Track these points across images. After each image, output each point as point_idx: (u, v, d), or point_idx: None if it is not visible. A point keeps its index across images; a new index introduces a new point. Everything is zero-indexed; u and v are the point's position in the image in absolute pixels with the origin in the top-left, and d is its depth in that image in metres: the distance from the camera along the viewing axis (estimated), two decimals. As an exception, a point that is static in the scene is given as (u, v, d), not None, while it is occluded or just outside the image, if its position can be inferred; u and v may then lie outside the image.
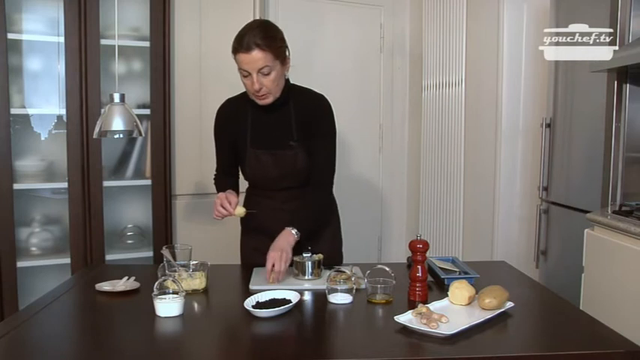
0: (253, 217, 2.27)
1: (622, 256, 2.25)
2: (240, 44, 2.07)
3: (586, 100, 2.86)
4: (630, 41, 2.49)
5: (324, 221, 2.38)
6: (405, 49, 4.56)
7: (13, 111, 3.02)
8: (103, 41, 3.08)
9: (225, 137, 2.35)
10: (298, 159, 2.25)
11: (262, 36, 2.07)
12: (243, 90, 2.25)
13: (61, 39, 3.04)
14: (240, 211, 2.19)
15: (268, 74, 2.11)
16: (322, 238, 2.35)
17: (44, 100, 3.20)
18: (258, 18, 2.08)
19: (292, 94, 2.27)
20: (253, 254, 2.33)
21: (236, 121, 2.30)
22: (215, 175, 2.45)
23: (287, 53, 2.19)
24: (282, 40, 2.17)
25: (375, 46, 4.48)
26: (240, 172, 2.41)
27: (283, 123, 2.26)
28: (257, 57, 2.06)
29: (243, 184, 2.44)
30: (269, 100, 2.18)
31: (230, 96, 2.40)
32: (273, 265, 2.00)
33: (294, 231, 2.11)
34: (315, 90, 2.34)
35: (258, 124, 2.27)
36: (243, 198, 2.43)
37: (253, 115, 2.27)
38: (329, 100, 2.31)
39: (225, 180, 2.39)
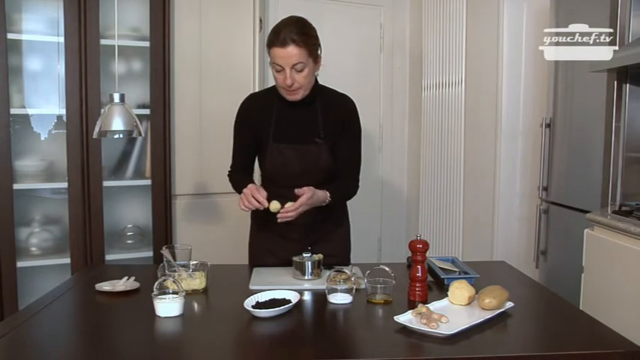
0: (269, 216, 2.18)
1: (622, 256, 2.25)
2: (277, 38, 2.09)
3: (586, 100, 2.86)
4: (630, 41, 2.49)
5: (342, 207, 2.45)
6: (404, 49, 4.56)
7: (13, 111, 3.02)
8: (103, 41, 3.08)
9: (246, 132, 2.32)
10: (322, 156, 2.26)
11: (299, 32, 2.10)
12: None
13: (61, 39, 3.04)
14: (276, 205, 2.09)
15: (301, 71, 2.13)
16: (334, 241, 2.36)
17: (44, 100, 3.20)
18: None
19: (319, 92, 2.29)
20: (265, 256, 2.33)
21: (260, 115, 2.29)
22: (230, 170, 2.40)
23: (319, 52, 2.21)
24: (317, 38, 2.20)
25: (375, 46, 4.48)
26: (253, 171, 2.40)
27: (309, 120, 2.27)
28: (292, 52, 2.08)
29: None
30: (298, 95, 2.19)
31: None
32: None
33: (327, 195, 2.18)
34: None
35: (283, 119, 2.26)
36: None
37: (279, 110, 2.27)
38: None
39: (242, 176, 2.33)
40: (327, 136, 2.26)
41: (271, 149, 2.25)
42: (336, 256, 2.28)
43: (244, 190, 2.12)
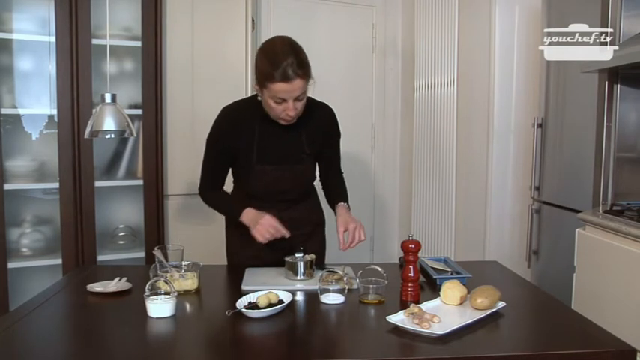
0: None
1: (613, 255, 2.26)
2: (280, 74, 1.95)
3: (577, 100, 2.87)
4: (621, 42, 2.50)
5: (320, 210, 2.47)
6: (397, 49, 4.57)
7: (3, 111, 3.01)
8: (95, 41, 3.07)
9: (224, 151, 2.23)
10: (308, 170, 2.27)
11: (300, 63, 1.98)
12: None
13: (52, 39, 3.03)
14: (264, 301, 1.80)
15: (302, 99, 2.05)
16: (313, 239, 2.35)
17: (35, 100, 3.18)
18: (281, 35, 1.89)
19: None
20: (253, 263, 2.26)
21: (241, 133, 2.19)
22: (202, 190, 2.32)
23: None
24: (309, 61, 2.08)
25: (367, 46, 4.48)
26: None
27: (293, 138, 2.21)
28: (297, 86, 1.98)
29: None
30: (294, 120, 2.11)
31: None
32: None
33: (346, 205, 2.26)
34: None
35: (267, 140, 2.19)
36: None
37: (261, 128, 2.18)
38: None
39: (221, 193, 2.30)
40: (312, 150, 2.26)
41: (257, 171, 2.20)
42: (317, 254, 2.25)
43: (262, 221, 2.09)
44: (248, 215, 2.15)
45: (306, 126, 2.22)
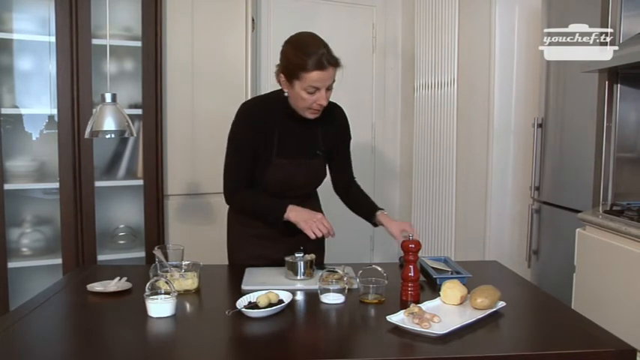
0: (258, 223, 2.26)
1: (613, 255, 2.26)
2: (314, 63, 2.04)
3: (578, 100, 2.87)
4: (621, 42, 2.50)
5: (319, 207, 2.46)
6: (397, 49, 4.57)
7: (4, 111, 3.01)
8: (95, 41, 3.07)
9: (250, 144, 2.21)
10: (322, 167, 2.32)
11: (330, 52, 2.09)
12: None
13: (52, 38, 3.03)
14: (265, 301, 1.90)
15: (331, 89, 2.13)
16: (313, 239, 2.35)
17: (35, 99, 3.18)
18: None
19: None
20: (256, 262, 2.27)
21: (265, 128, 2.21)
22: (232, 190, 2.26)
23: None
24: None
25: (368, 46, 4.48)
26: None
27: (310, 134, 2.27)
28: (331, 74, 2.08)
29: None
30: (320, 112, 2.17)
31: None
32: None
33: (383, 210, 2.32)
34: None
35: (286, 134, 2.23)
36: None
37: (282, 123, 2.22)
38: None
39: (256, 192, 2.25)
40: (326, 147, 2.31)
41: (275, 164, 2.22)
42: (315, 255, 2.25)
43: (315, 218, 2.12)
44: (297, 211, 2.15)
45: (323, 123, 2.26)
